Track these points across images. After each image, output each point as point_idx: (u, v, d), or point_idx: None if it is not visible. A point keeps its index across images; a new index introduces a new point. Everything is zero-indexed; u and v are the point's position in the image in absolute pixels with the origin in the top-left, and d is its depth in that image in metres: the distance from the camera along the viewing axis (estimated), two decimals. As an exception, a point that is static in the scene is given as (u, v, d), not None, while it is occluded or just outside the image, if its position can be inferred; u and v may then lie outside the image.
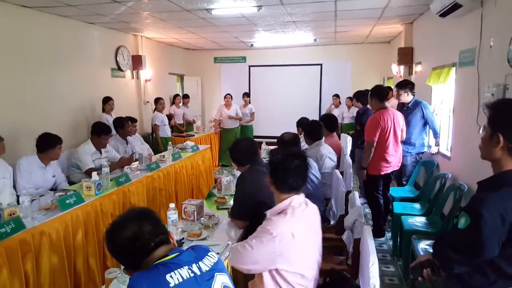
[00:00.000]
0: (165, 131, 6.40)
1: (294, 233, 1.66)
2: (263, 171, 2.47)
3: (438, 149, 4.41)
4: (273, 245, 1.62)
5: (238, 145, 2.64)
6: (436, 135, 4.38)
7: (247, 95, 7.98)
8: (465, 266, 1.54)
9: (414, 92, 4.35)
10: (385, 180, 4.03)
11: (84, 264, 2.79)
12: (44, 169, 3.45)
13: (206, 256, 1.32)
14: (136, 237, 1.24)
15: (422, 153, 4.43)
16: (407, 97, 4.29)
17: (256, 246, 1.64)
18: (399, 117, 3.86)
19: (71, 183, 3.81)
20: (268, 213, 1.80)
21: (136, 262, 1.25)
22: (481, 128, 1.55)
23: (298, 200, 1.80)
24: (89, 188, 3.04)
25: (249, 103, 8.03)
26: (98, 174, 3.20)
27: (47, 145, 3.42)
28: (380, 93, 3.85)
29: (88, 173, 3.63)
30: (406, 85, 4.34)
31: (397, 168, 4.00)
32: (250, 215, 2.40)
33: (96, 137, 3.97)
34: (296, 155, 1.83)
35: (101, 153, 4.03)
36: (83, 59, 5.65)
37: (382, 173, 3.86)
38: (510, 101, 1.58)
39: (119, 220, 1.30)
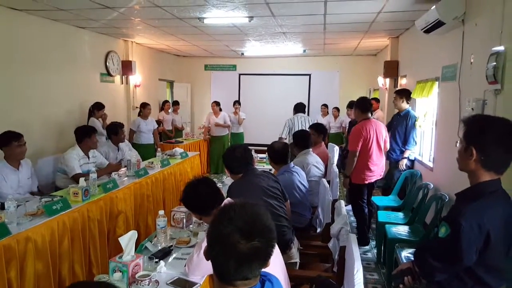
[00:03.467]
0: (139, 138, 6.06)
1: None
2: (255, 182, 2.50)
3: (405, 163, 4.51)
4: None
5: (231, 152, 2.60)
6: (406, 145, 4.48)
7: (238, 103, 8.02)
8: (445, 273, 1.61)
9: (409, 103, 4.58)
10: (369, 189, 4.13)
11: (70, 271, 2.76)
12: (17, 172, 3.36)
13: None
14: (246, 259, 1.02)
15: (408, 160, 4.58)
16: (402, 104, 4.51)
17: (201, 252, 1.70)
18: (382, 128, 3.99)
19: (57, 188, 3.77)
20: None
21: (220, 274, 1.08)
22: (458, 141, 1.64)
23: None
24: (76, 194, 3.01)
25: (240, 111, 8.07)
26: (85, 180, 3.18)
27: (1, 143, 3.29)
28: (363, 105, 3.99)
29: (75, 179, 3.60)
30: (403, 92, 4.61)
31: (380, 177, 4.12)
32: None
33: (87, 139, 3.92)
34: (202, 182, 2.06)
35: (89, 158, 4.00)
36: (72, 63, 5.63)
37: (366, 182, 3.96)
38: (483, 117, 1.69)
39: (245, 225, 1.03)
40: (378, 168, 3.99)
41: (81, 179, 3.15)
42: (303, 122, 5.35)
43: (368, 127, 3.86)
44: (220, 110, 7.63)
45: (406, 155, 4.49)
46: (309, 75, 9.20)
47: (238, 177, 2.56)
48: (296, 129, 5.11)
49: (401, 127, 4.47)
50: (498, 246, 1.54)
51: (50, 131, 5.19)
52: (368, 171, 3.92)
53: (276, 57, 8.99)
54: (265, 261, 1.07)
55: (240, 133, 7.96)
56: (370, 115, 3.99)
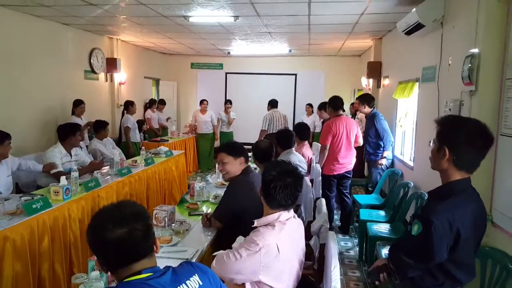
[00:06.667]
0: (135, 136, 6.29)
1: (280, 247, 1.68)
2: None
3: (385, 163, 4.62)
4: (258, 256, 1.64)
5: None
6: (384, 147, 4.57)
7: (229, 102, 8.01)
8: (418, 269, 1.66)
9: (373, 105, 4.69)
10: (340, 181, 4.38)
11: (50, 270, 2.73)
12: None
13: (188, 281, 1.20)
14: (124, 242, 1.11)
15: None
16: (363, 109, 4.70)
17: (242, 256, 1.66)
18: (352, 124, 4.32)
19: (38, 187, 3.71)
20: (256, 222, 1.81)
21: (111, 265, 1.17)
22: (431, 141, 1.70)
23: (286, 216, 1.81)
24: (57, 192, 2.98)
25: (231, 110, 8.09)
26: (66, 178, 3.14)
27: None
28: (334, 103, 4.34)
29: (56, 177, 3.55)
30: (362, 98, 4.81)
31: (350, 169, 4.38)
32: (229, 220, 2.44)
33: (72, 137, 3.87)
34: (289, 173, 1.82)
35: (71, 156, 3.96)
36: (55, 59, 5.54)
37: (335, 173, 4.28)
38: (456, 118, 1.75)
39: (110, 214, 1.16)
40: (347, 160, 4.29)
41: (62, 178, 3.11)
42: (279, 117, 6.26)
43: (338, 123, 4.19)
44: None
45: (384, 155, 4.60)
46: (295, 74, 9.26)
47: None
48: (275, 123, 6.18)
49: (371, 129, 4.61)
50: (468, 243, 1.59)
51: (32, 129, 5.10)
52: (337, 163, 4.24)
53: (262, 57, 9.02)
54: (145, 241, 1.16)
55: (230, 132, 8.00)
56: (341, 112, 4.32)
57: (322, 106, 5.98)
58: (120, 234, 1.10)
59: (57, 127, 3.99)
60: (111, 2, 4.31)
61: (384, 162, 4.61)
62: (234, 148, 2.63)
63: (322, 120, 6.20)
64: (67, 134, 3.88)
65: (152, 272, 1.14)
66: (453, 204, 1.58)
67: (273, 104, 6.48)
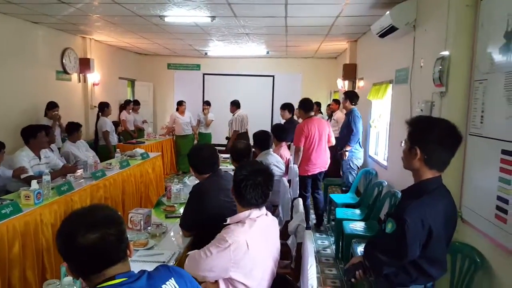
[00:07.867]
0: (113, 138, 6.17)
1: (250, 243, 1.69)
2: (222, 184, 2.45)
3: (348, 155, 4.74)
4: (228, 253, 1.65)
5: (198, 151, 2.55)
6: (349, 141, 4.67)
7: (207, 103, 7.93)
8: (392, 266, 1.71)
9: (355, 103, 4.78)
10: (314, 180, 4.47)
11: (20, 277, 2.63)
12: None
13: (163, 285, 1.18)
14: (97, 248, 1.08)
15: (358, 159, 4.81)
16: (346, 104, 4.83)
17: (212, 253, 1.67)
18: (324, 125, 4.43)
19: (7, 192, 3.56)
20: (229, 219, 1.83)
21: (83, 272, 1.13)
22: (403, 141, 1.75)
23: (257, 214, 1.83)
24: (28, 197, 2.87)
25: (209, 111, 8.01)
26: (38, 182, 3.03)
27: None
28: (306, 105, 4.42)
29: (27, 182, 3.42)
30: (347, 94, 4.92)
31: (324, 169, 4.47)
32: (198, 227, 2.40)
33: (33, 140, 3.72)
34: (260, 172, 1.84)
35: (40, 158, 3.81)
36: (25, 60, 5.34)
37: (310, 173, 4.35)
38: (426, 118, 1.81)
39: (81, 219, 1.11)
40: (320, 161, 4.37)
41: (33, 182, 2.98)
42: (244, 117, 6.80)
43: (310, 125, 4.26)
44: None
45: (347, 148, 4.72)
46: (273, 76, 9.32)
47: (204, 177, 2.52)
48: (244, 123, 6.74)
49: (345, 126, 4.76)
50: (439, 240, 1.65)
51: (2, 133, 4.88)
52: (311, 164, 4.31)
53: (240, 58, 9.03)
54: (119, 246, 1.12)
55: (208, 133, 7.93)
56: (312, 113, 4.41)
57: (286, 106, 6.03)
58: (92, 240, 1.06)
59: (20, 130, 3.84)
60: (84, 1, 4.20)
61: (346, 154, 4.70)
62: (199, 167, 2.52)
63: (284, 120, 6.27)
64: (28, 137, 3.72)
65: (126, 277, 1.12)
66: (425, 202, 1.62)
67: (238, 105, 6.89)
